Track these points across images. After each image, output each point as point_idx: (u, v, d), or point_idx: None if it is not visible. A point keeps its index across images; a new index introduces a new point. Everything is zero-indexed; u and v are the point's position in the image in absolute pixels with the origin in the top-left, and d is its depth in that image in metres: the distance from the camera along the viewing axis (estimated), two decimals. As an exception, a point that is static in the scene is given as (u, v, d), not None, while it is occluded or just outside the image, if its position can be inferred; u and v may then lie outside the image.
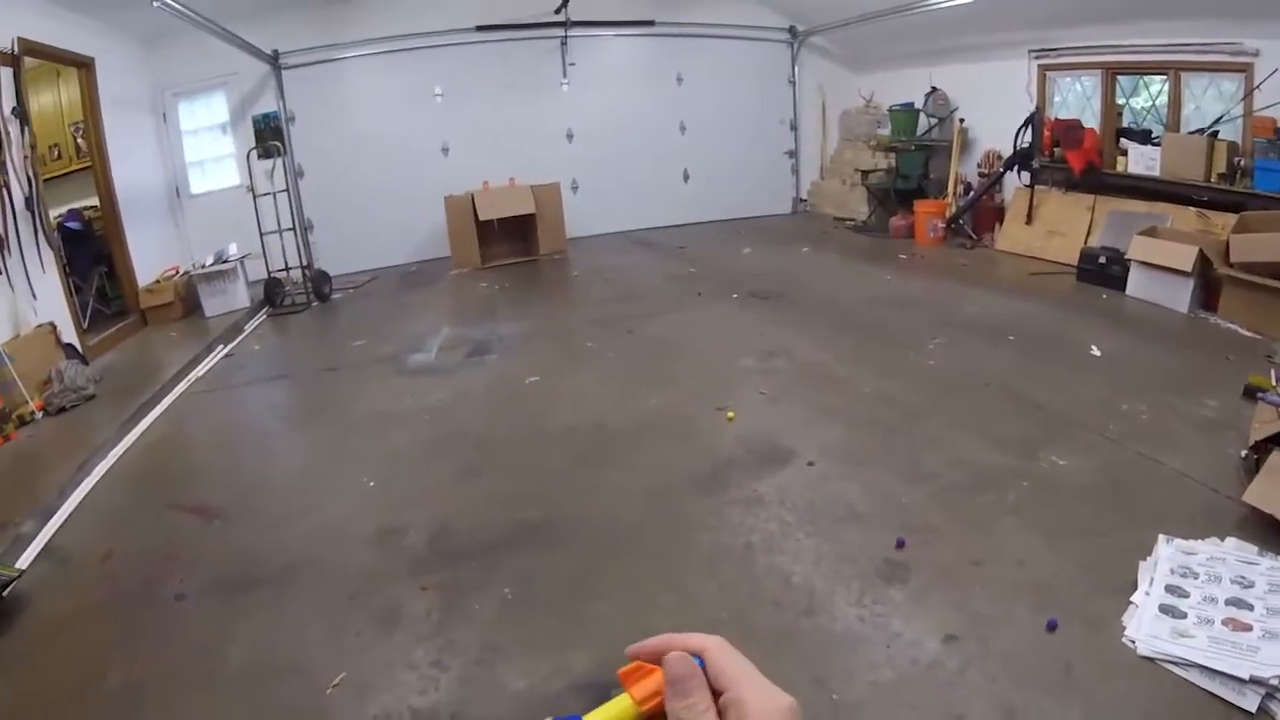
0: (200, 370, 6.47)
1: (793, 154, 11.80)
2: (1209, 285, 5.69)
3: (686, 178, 11.35)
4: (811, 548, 3.31)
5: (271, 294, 8.25)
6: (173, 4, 6.25)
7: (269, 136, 9.08)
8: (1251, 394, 4.15)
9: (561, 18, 9.92)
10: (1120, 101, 7.52)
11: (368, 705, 2.60)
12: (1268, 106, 5.88)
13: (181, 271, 8.15)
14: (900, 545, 3.25)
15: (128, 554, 3.73)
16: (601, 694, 2.58)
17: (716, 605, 3.02)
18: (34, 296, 5.81)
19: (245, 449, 5.09)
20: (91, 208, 7.75)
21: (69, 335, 6.13)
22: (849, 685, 2.56)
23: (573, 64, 10.38)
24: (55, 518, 4.08)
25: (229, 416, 5.68)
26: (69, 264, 6.72)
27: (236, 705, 2.69)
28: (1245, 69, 6.15)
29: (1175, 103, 6.94)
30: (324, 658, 2.86)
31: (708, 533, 3.51)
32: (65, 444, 4.90)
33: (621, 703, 0.53)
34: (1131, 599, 2.83)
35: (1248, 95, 6.11)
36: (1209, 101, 6.70)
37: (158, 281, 7.83)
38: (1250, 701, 2.37)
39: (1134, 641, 2.64)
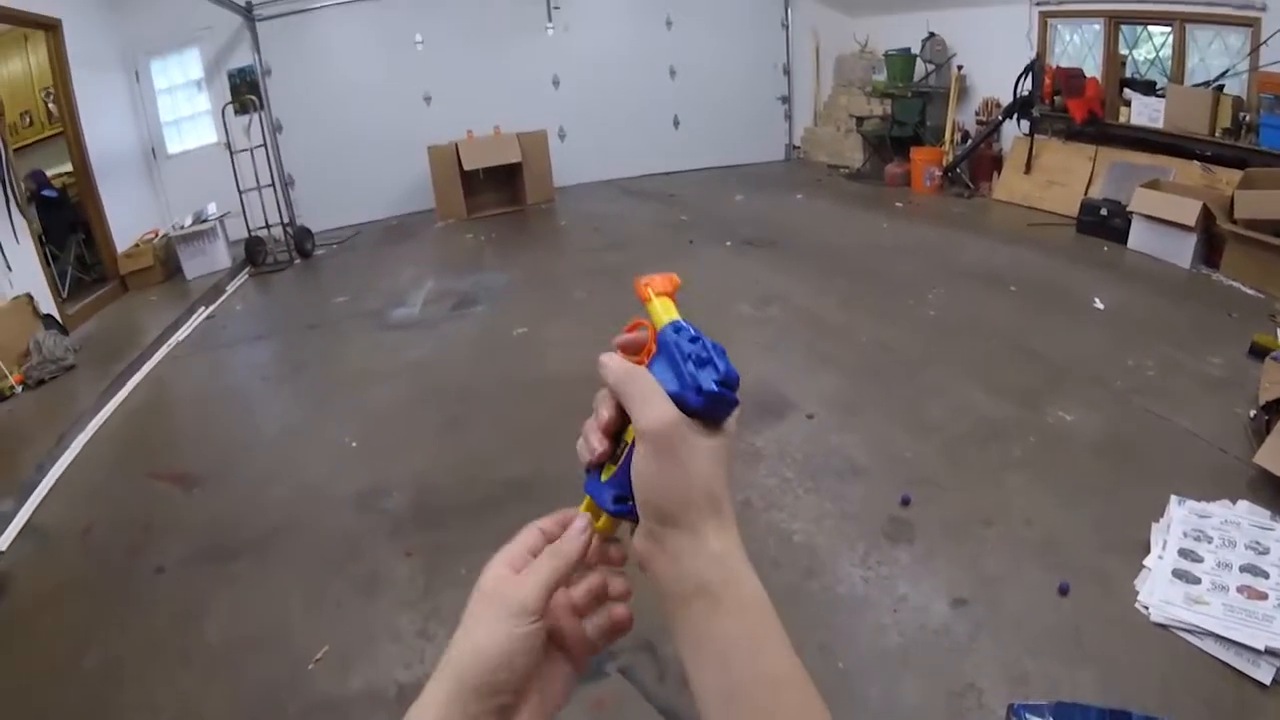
0: (181, 334, 6.31)
1: (785, 100, 11.52)
2: (1212, 241, 5.56)
3: (677, 124, 11.09)
4: (813, 504, 3.21)
5: (253, 252, 8.05)
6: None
7: (245, 91, 8.75)
8: (1257, 352, 4.03)
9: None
10: (1123, 52, 7.33)
11: (351, 679, 2.51)
12: (1275, 62, 5.70)
13: (161, 234, 7.92)
14: (905, 502, 3.14)
15: (107, 527, 3.63)
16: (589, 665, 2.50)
17: (714, 566, 2.91)
18: (8, 268, 5.63)
19: (225, 413, 4.97)
20: (66, 174, 7.50)
21: (47, 305, 5.96)
22: (854, 651, 2.47)
23: (557, 7, 10.04)
24: (35, 494, 3.98)
25: (209, 380, 5.55)
26: (45, 232, 6.57)
27: (217, 681, 2.59)
28: (1252, 23, 5.95)
29: (1179, 55, 6.74)
30: (305, 629, 2.77)
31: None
32: (44, 417, 4.78)
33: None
34: (1144, 562, 2.75)
35: (1254, 50, 5.94)
36: (1214, 55, 6.51)
37: (137, 245, 7.61)
38: (1265, 673, 2.30)
39: (1147, 607, 2.56)
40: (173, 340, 6.15)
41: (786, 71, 11.38)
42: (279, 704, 2.46)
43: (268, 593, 3.02)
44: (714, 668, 0.51)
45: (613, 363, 0.55)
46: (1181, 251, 5.60)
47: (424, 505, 3.47)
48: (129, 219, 7.70)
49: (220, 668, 2.65)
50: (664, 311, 0.57)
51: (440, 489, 3.58)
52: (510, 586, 0.53)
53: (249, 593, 3.03)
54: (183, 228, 7.81)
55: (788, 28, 11.17)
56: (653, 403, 0.51)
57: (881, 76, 9.72)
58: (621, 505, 0.54)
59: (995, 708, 2.21)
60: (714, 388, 0.51)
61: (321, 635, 2.71)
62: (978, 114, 8.59)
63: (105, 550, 3.45)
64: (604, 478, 0.55)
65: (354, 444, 4.13)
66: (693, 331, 0.55)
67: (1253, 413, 3.51)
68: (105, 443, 4.60)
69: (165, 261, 7.74)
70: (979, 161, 8.35)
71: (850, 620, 2.60)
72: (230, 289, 7.54)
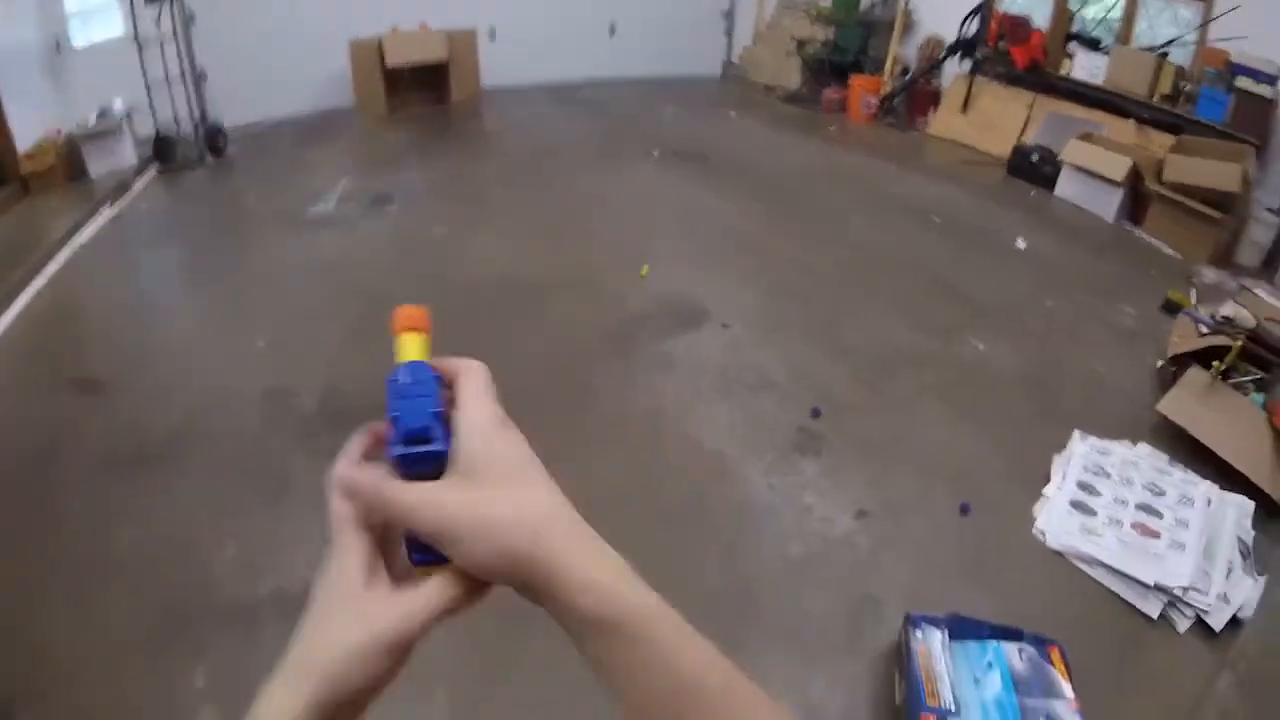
0: (85, 235, 5.85)
1: (727, 15, 11.25)
2: (1138, 199, 5.65)
3: (613, 31, 10.69)
4: (724, 413, 3.13)
5: (161, 150, 7.51)
6: None
7: (156, -23, 8.04)
8: (1170, 308, 4.13)
9: None
10: (1073, 7, 7.31)
11: (260, 583, 2.38)
12: (1223, 39, 5.76)
13: (64, 134, 7.34)
14: (816, 414, 3.10)
15: (8, 440, 3.31)
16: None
17: (623, 470, 2.82)
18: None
19: (131, 315, 4.62)
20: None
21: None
22: (758, 559, 2.42)
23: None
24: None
25: (114, 282, 5.14)
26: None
27: (126, 594, 2.41)
28: (1206, -1, 6.01)
29: (1129, 18, 6.79)
30: (213, 534, 2.60)
31: (615, 392, 3.29)
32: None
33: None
34: (1044, 491, 2.77)
35: (1205, 24, 5.98)
36: (1163, 24, 6.57)
37: (38, 145, 7.04)
38: (1152, 607, 2.35)
39: (1044, 533, 2.58)
40: (77, 242, 5.71)
41: (731, -13, 11.10)
42: (188, 610, 2.32)
43: (174, 497, 2.83)
44: None
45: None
46: (1107, 205, 5.66)
47: (331, 405, 3.29)
48: (31, 118, 7.06)
49: (127, 574, 2.48)
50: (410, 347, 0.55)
51: (347, 391, 3.38)
52: (382, 608, 0.46)
53: (155, 498, 2.84)
54: (87, 126, 7.25)
55: (736, -59, 10.86)
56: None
57: (827, 2, 9.56)
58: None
59: (893, 618, 2.19)
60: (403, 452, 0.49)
61: (228, 540, 2.57)
62: (920, 50, 8.52)
63: (6, 464, 3.16)
64: None
65: (262, 344, 3.88)
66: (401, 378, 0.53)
67: (1160, 363, 3.58)
68: (6, 348, 4.23)
69: (69, 161, 7.19)
70: (917, 96, 8.30)
71: (755, 527, 2.54)
72: (137, 188, 7.04)
